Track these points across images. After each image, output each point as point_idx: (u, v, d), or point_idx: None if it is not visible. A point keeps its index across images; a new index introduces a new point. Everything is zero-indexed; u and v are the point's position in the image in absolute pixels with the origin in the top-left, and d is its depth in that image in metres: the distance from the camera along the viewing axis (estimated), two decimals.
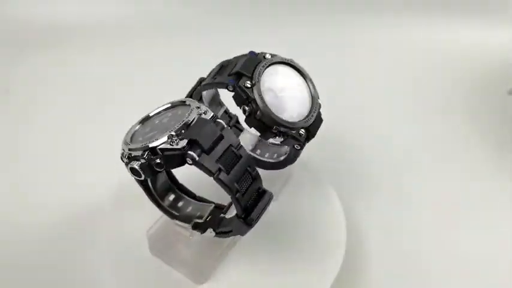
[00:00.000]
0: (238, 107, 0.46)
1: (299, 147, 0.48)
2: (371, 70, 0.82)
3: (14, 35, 0.83)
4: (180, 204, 0.50)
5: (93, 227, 0.55)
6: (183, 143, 0.40)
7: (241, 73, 0.46)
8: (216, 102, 0.56)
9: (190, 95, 0.51)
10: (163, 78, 0.76)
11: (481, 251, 0.58)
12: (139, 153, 0.41)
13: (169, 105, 0.46)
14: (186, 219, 0.49)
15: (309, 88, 0.49)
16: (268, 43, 0.80)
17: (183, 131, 0.41)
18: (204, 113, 0.43)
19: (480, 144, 0.71)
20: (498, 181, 0.66)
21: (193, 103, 0.44)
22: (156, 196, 0.48)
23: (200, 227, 0.48)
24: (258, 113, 0.45)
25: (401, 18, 0.89)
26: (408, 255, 0.57)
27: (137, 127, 0.45)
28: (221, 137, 0.42)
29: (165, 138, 0.40)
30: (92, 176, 0.61)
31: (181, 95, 0.52)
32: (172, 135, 0.40)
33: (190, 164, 0.40)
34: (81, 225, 0.56)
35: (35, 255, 0.54)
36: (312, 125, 0.48)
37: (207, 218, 0.48)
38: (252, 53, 0.48)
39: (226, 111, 0.57)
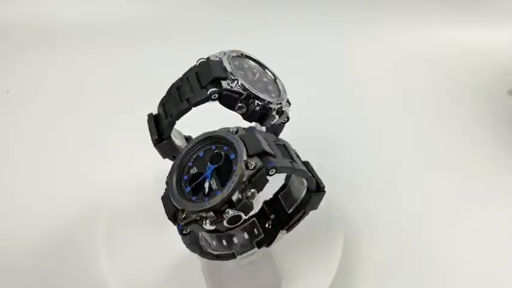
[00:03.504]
0: (230, 109, 0.46)
1: (286, 120, 0.50)
2: (369, 70, 0.82)
3: (14, 35, 0.83)
4: (224, 242, 0.48)
5: (93, 228, 0.55)
6: (259, 159, 0.38)
7: (218, 78, 0.45)
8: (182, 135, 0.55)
9: (159, 136, 0.48)
10: (165, 79, 0.76)
11: (481, 252, 0.58)
12: (230, 198, 0.37)
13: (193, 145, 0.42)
14: (244, 247, 0.47)
15: (267, 70, 0.51)
16: (259, 45, 0.80)
17: (247, 151, 0.38)
18: (235, 131, 0.41)
19: (480, 145, 0.71)
20: (498, 181, 0.66)
21: (222, 132, 0.42)
22: (211, 252, 0.47)
23: (265, 241, 0.47)
24: (256, 102, 0.45)
25: (400, 18, 0.88)
26: (405, 256, 0.57)
27: (174, 183, 0.41)
28: (265, 140, 0.41)
29: (240, 171, 0.37)
30: (93, 176, 0.62)
31: None
32: (246, 161, 0.38)
33: (271, 175, 0.38)
34: (81, 226, 0.57)
35: (34, 255, 0.55)
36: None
37: (263, 230, 0.48)
38: (202, 59, 0.48)
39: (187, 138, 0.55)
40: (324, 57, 0.83)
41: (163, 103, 0.49)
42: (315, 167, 0.45)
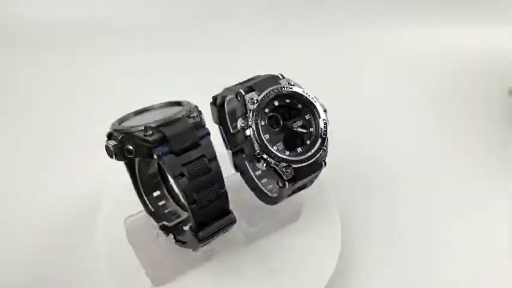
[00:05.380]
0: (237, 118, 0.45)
1: (281, 186, 0.45)
2: (370, 72, 0.82)
3: (13, 34, 0.82)
4: (160, 203, 0.50)
5: (89, 228, 0.55)
6: (156, 137, 0.40)
7: (253, 88, 0.45)
8: (235, 114, 0.54)
9: (214, 99, 0.51)
10: (162, 83, 0.76)
11: (480, 253, 0.58)
12: (117, 134, 0.42)
13: (165, 103, 0.47)
14: (158, 218, 0.49)
15: (318, 129, 0.46)
16: (267, 55, 0.80)
17: (161, 127, 0.41)
18: (192, 117, 0.42)
19: (480, 145, 0.71)
20: (499, 182, 0.66)
21: (189, 105, 0.45)
22: (139, 185, 0.48)
23: (166, 230, 0.48)
24: (248, 131, 0.44)
25: (401, 19, 0.88)
26: (403, 267, 0.56)
27: (131, 115, 0.46)
28: (197, 145, 0.41)
29: (141, 128, 0.41)
30: (89, 176, 0.61)
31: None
32: (149, 127, 0.40)
33: (154, 159, 0.40)
34: (78, 226, 0.57)
35: (33, 255, 0.55)
36: (303, 168, 0.44)
37: (175, 223, 0.48)
38: (277, 75, 0.47)
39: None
40: (325, 57, 0.83)
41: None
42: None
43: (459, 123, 0.74)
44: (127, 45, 0.83)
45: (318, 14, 0.89)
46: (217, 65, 0.78)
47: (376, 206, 0.62)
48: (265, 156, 0.43)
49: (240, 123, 0.44)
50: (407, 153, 0.69)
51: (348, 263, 0.54)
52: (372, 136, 0.71)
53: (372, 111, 0.75)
